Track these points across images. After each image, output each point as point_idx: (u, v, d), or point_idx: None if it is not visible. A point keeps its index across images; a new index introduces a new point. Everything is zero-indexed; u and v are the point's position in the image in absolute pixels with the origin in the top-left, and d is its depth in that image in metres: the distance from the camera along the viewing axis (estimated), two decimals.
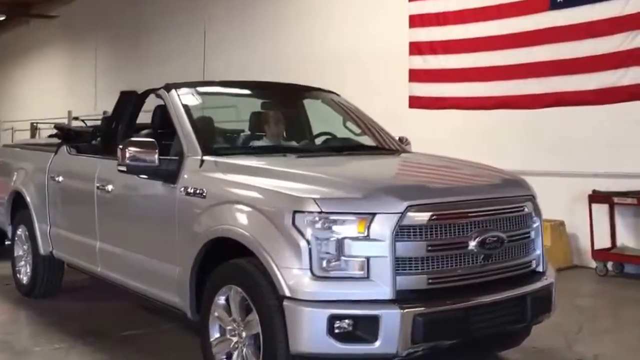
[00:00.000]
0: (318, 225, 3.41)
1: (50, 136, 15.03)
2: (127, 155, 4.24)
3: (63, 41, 18.31)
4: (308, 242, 3.40)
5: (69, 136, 6.10)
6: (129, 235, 4.79)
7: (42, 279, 6.20)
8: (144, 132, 5.41)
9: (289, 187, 3.63)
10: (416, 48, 9.10)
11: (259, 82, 5.40)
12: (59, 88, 18.37)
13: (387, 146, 5.06)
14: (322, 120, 5.61)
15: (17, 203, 6.52)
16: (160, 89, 4.86)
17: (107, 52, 16.40)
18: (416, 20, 9.07)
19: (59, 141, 6.22)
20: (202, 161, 4.17)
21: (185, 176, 4.20)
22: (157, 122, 5.23)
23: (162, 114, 5.11)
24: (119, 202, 4.88)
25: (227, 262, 3.81)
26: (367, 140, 5.12)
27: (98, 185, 5.06)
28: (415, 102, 9.18)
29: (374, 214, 3.42)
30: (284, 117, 5.40)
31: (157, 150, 4.22)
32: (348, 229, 3.41)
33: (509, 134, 8.30)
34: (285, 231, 3.46)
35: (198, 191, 4.03)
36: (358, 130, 5.32)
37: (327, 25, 10.49)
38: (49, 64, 19.35)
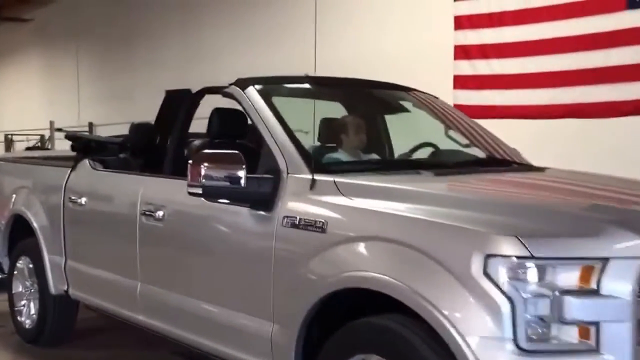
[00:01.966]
0: (525, 276, 2.34)
1: (28, 149, 13.83)
2: (203, 172, 3.11)
3: (39, 46, 16.94)
4: (510, 299, 2.33)
5: (89, 148, 4.93)
6: (191, 277, 3.64)
7: (52, 323, 5.00)
8: (196, 142, 4.28)
9: (467, 218, 2.54)
10: (463, 52, 8.06)
11: (349, 79, 4.30)
12: (36, 97, 16.96)
13: (517, 160, 4.01)
14: (413, 128, 4.55)
15: (18, 229, 5.32)
16: (229, 85, 3.74)
17: (90, 58, 15.11)
18: (463, 22, 8.03)
19: (74, 154, 5.07)
20: (314, 181, 3.05)
21: (288, 202, 3.08)
22: (217, 130, 4.13)
23: (224, 118, 4.03)
24: (176, 234, 3.72)
25: (360, 320, 2.72)
26: (484, 153, 4.06)
27: (143, 210, 3.90)
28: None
29: (606, 259, 2.36)
30: (365, 124, 4.37)
31: (244, 166, 3.10)
32: (569, 280, 2.35)
33: (580, 145, 7.31)
34: (470, 283, 2.37)
35: (312, 223, 2.91)
36: (464, 140, 4.26)
37: (364, 28, 9.44)
38: (24, 71, 17.92)
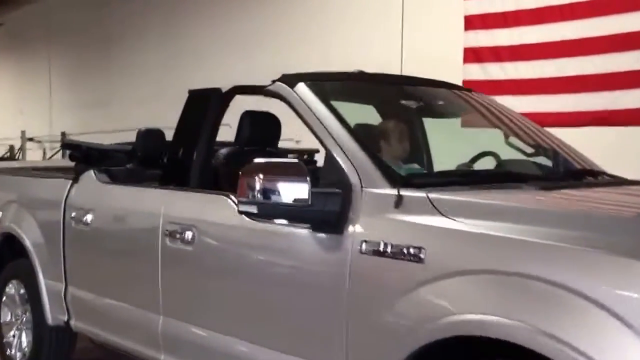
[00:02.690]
0: None
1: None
2: (258, 186, 2.53)
3: (10, 51, 16.08)
4: None
5: (91, 157, 4.29)
6: (230, 312, 3.03)
7: (47, 357, 4.35)
8: (223, 151, 3.69)
9: (619, 244, 1.99)
10: (473, 54, 7.56)
11: (406, 77, 3.73)
12: (6, 105, 16.10)
13: (596, 169, 3.49)
14: (466, 134, 4.02)
15: (7, 249, 4.65)
16: (272, 83, 3.15)
17: (64, 64, 14.33)
18: (475, 22, 7.53)
19: (67, 164, 4.45)
20: (400, 198, 2.48)
21: (365, 222, 2.51)
22: (249, 135, 3.55)
23: (256, 122, 3.46)
24: (210, 259, 3.11)
25: None
26: (563, 163, 3.53)
27: (167, 231, 3.28)
28: (470, 119, 7.64)
29: None
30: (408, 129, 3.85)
31: (308, 178, 2.53)
32: None
33: (614, 155, 6.82)
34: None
35: (405, 250, 2.34)
36: (529, 149, 3.73)
37: (363, 31, 8.89)
38: None
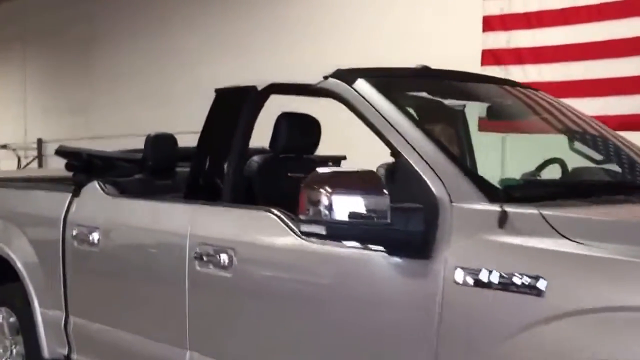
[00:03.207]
0: None
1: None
2: (326, 202, 2.12)
3: None
4: None
5: (93, 167, 3.84)
6: (281, 350, 2.61)
7: None
8: (257, 159, 3.27)
9: None
10: (492, 57, 7.22)
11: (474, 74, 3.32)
12: None
13: None
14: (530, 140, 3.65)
15: None
16: (326, 78, 2.74)
17: (40, 67, 13.78)
18: (494, 23, 7.19)
19: (62, 174, 4.00)
20: (504, 215, 2.07)
21: (459, 245, 2.10)
22: (286, 142, 3.15)
23: (295, 126, 3.06)
24: (253, 288, 2.68)
25: None
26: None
27: (197, 253, 2.85)
28: (488, 124, 7.28)
29: None
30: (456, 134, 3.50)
31: (386, 192, 2.13)
32: None
33: None
34: None
35: (517, 280, 1.94)
36: (597, 155, 3.35)
37: (370, 32, 8.51)
38: None
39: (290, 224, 2.56)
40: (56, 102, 13.21)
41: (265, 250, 2.66)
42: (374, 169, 2.44)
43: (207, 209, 2.96)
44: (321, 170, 2.20)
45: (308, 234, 2.23)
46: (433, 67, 3.14)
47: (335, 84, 2.67)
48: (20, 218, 4.00)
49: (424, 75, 3.06)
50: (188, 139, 8.79)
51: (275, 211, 2.64)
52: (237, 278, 2.71)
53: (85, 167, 3.82)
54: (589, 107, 6.55)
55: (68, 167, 3.92)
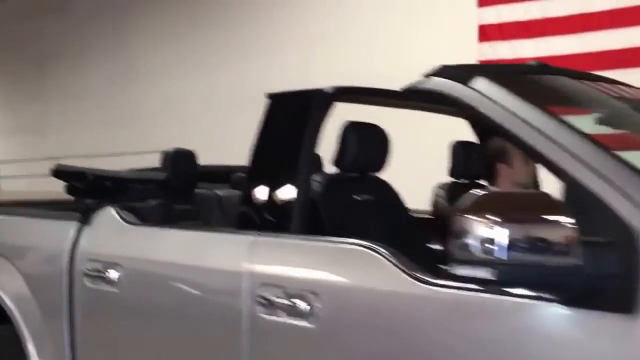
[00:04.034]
0: None
1: None
2: (498, 236, 1.54)
3: None
4: None
5: (102, 189, 3.16)
6: None
7: None
8: (318, 178, 2.66)
9: None
10: None
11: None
12: None
13: None
14: None
15: None
16: (427, 77, 2.16)
17: None
18: (491, 32, 6.76)
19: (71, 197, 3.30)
20: None
21: None
22: (355, 156, 2.56)
23: (366, 137, 2.49)
24: (346, 345, 2.05)
25: None
26: None
27: (262, 297, 2.22)
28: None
29: None
30: None
31: (574, 223, 1.56)
32: None
33: None
34: None
35: None
36: None
37: (357, 42, 7.97)
38: None
39: (400, 264, 1.96)
40: (10, 121, 12.34)
41: (366, 297, 2.04)
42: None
43: (272, 241, 2.33)
44: (480, 192, 1.61)
45: (463, 279, 1.63)
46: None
47: (445, 85, 2.09)
48: (12, 250, 3.28)
49: (543, 73, 2.50)
50: (153, 159, 8.00)
51: (378, 247, 2.03)
52: (323, 331, 2.09)
53: (92, 189, 3.14)
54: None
55: (70, 190, 3.23)
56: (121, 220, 2.85)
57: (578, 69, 6.38)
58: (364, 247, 2.07)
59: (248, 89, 8.76)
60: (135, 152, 8.88)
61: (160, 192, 3.12)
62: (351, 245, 2.12)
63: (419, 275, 1.90)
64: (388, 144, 2.71)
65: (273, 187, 2.41)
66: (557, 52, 6.42)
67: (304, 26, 8.44)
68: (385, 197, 2.82)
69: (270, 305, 2.21)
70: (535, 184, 3.12)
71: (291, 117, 2.47)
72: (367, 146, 2.64)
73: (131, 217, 2.86)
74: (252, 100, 8.94)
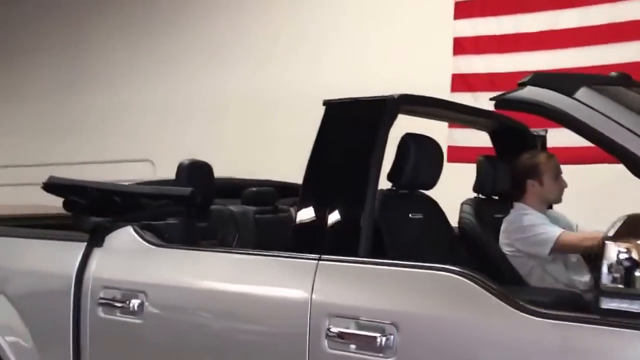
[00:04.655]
0: None
1: None
2: None
3: None
4: None
5: (108, 205, 2.79)
6: None
7: None
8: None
9: None
10: (463, 82, 6.63)
11: None
12: None
13: None
14: None
15: None
16: (522, 86, 1.94)
17: None
18: (467, 45, 6.62)
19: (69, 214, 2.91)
20: None
21: None
22: (412, 172, 2.33)
23: (424, 152, 2.28)
24: None
25: None
26: None
27: (332, 331, 1.92)
28: (457, 155, 6.65)
29: None
30: None
31: None
32: None
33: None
34: None
35: None
36: None
37: (330, 54, 7.72)
38: None
39: (502, 294, 1.72)
40: None
41: (460, 330, 1.78)
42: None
43: (340, 266, 2.04)
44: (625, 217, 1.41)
45: (610, 312, 1.41)
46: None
47: (548, 95, 1.87)
48: (1, 277, 2.87)
49: (630, 85, 2.31)
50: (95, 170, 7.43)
51: (471, 273, 1.79)
52: None
53: (98, 206, 2.77)
54: (575, 137, 6.08)
55: (68, 206, 2.85)
56: (144, 242, 2.50)
57: None
58: (454, 272, 1.82)
59: (206, 97, 8.42)
60: (87, 162, 8.40)
61: (177, 209, 2.77)
62: (437, 271, 1.87)
63: (532, 308, 1.66)
64: (442, 159, 2.48)
65: (335, 205, 2.13)
66: (529, 68, 6.34)
67: (265, 35, 8.17)
68: (434, 215, 2.58)
69: (340, 339, 1.94)
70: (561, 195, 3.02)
71: (354, 127, 2.19)
72: (425, 162, 2.40)
73: (153, 238, 2.52)
74: (211, 108, 8.60)
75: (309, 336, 1.99)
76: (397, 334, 1.85)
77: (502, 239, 2.89)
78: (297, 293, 2.06)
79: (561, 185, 2.97)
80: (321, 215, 2.14)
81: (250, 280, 2.20)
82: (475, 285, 1.78)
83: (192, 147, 8.57)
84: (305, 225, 2.19)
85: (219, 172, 3.26)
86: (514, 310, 1.70)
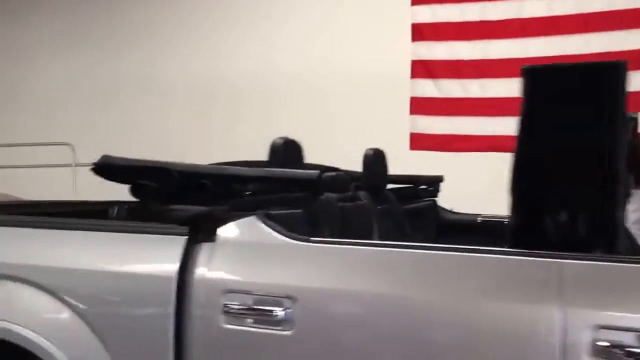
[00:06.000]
0: None
1: None
2: None
3: None
4: None
5: (195, 190, 2.20)
6: None
7: None
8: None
9: None
10: (424, 68, 6.39)
11: None
12: None
13: None
14: None
15: None
16: None
17: None
18: (425, 31, 6.36)
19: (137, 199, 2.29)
20: None
21: None
22: None
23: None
24: None
25: None
26: None
27: (599, 344, 1.53)
28: (420, 142, 6.43)
29: None
30: None
31: None
32: None
33: None
34: None
35: None
36: None
37: (292, 39, 7.20)
38: None
39: None
40: None
41: None
42: None
43: (599, 266, 1.63)
44: None
45: None
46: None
47: None
48: (62, 281, 2.19)
49: None
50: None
51: None
52: None
53: (185, 192, 2.18)
54: None
55: (135, 192, 2.24)
56: (280, 236, 1.96)
57: (513, 74, 6.24)
58: None
59: (156, 75, 7.69)
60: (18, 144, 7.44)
61: (301, 195, 2.21)
62: None
63: None
64: None
65: (572, 193, 1.72)
66: (493, 56, 6.19)
67: (227, 16, 7.60)
68: None
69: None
70: None
71: (574, 101, 1.78)
72: None
73: (289, 233, 1.98)
74: (162, 87, 7.86)
75: (564, 352, 1.57)
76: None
77: None
78: (536, 301, 1.63)
79: None
80: (552, 206, 1.71)
81: (461, 284, 1.74)
82: None
83: (114, 130, 7.78)
84: (529, 217, 1.75)
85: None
86: None
